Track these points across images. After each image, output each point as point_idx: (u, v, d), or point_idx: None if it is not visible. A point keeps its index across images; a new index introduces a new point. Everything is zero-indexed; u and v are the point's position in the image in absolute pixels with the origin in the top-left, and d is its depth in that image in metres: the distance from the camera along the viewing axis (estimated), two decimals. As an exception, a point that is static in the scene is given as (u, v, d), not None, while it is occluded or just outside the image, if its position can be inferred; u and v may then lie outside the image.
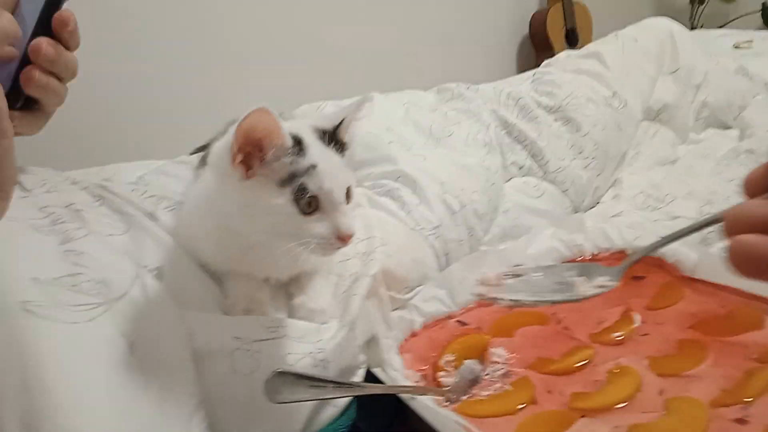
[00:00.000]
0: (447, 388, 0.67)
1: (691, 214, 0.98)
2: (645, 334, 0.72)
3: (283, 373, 0.57)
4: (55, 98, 0.57)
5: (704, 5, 2.96)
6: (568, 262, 0.85)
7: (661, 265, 0.83)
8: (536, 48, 2.58)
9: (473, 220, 0.94)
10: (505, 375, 0.69)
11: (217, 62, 1.85)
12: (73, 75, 0.58)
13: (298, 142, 0.60)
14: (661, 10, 2.97)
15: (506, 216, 1.00)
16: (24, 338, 0.50)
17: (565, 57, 1.37)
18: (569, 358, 0.70)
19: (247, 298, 0.68)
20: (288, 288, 0.73)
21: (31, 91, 0.54)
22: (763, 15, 3.03)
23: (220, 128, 0.86)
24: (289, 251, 0.60)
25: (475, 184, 0.97)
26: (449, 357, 0.72)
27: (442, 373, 0.70)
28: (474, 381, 0.69)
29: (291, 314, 0.71)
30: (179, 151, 1.02)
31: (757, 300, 0.73)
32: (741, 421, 0.57)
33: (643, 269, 0.83)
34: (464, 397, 0.66)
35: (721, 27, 2.71)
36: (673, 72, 1.34)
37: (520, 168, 1.08)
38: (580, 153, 1.11)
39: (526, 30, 2.60)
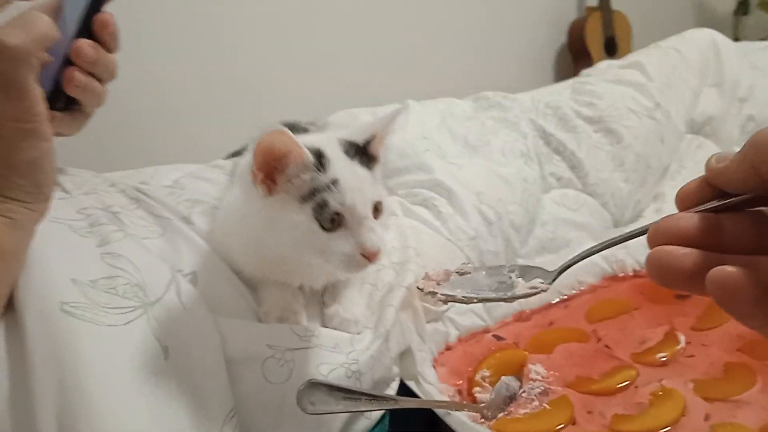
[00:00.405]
0: (483, 405, 0.66)
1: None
2: (690, 356, 0.70)
3: (316, 384, 0.56)
4: (95, 99, 0.58)
5: (748, 16, 2.89)
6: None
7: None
8: (574, 57, 2.54)
9: (510, 232, 0.92)
10: (543, 393, 0.67)
11: (256, 68, 1.86)
12: (113, 76, 0.58)
13: (319, 157, 0.58)
14: (703, 21, 2.91)
15: (544, 228, 0.98)
16: (62, 338, 0.50)
17: (605, 67, 1.34)
18: (610, 378, 0.68)
19: (281, 307, 0.67)
20: (322, 297, 0.72)
21: (71, 92, 0.55)
22: (808, 27, 2.94)
23: (255, 134, 0.86)
24: (316, 266, 0.59)
25: (513, 195, 0.95)
26: (485, 372, 0.71)
27: (477, 389, 0.69)
28: (511, 398, 0.67)
29: (324, 323, 0.70)
30: (215, 155, 1.03)
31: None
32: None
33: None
34: (500, 415, 0.65)
35: (764, 39, 2.64)
36: (718, 84, 1.30)
37: (559, 179, 1.06)
38: (621, 165, 1.09)
39: (563, 38, 2.57)
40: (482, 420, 0.64)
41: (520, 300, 0.53)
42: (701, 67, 1.29)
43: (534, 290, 0.50)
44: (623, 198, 1.07)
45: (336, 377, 0.63)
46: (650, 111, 1.15)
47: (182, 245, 0.69)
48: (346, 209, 0.57)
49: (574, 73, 2.38)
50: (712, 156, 0.33)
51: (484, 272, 0.55)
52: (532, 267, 0.52)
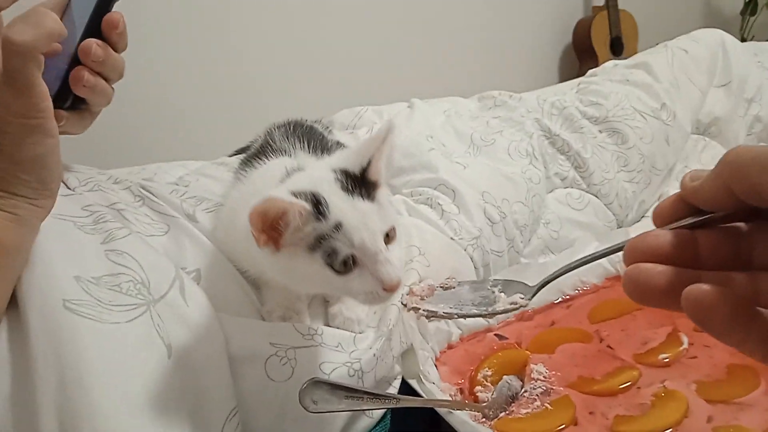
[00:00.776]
0: (484, 404, 0.66)
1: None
2: (693, 357, 0.69)
3: (318, 383, 0.56)
4: (102, 98, 0.58)
5: (756, 16, 2.88)
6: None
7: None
8: (579, 56, 2.53)
9: (514, 231, 0.92)
10: (545, 393, 0.67)
11: (261, 66, 1.86)
12: (120, 76, 0.58)
13: (317, 204, 0.55)
14: (710, 20, 2.90)
15: (548, 228, 0.98)
16: (63, 336, 0.50)
17: (611, 66, 1.34)
18: (613, 379, 0.67)
19: (284, 305, 0.67)
20: (325, 296, 0.72)
21: (79, 91, 0.55)
22: (817, 27, 2.92)
23: (260, 131, 0.87)
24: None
25: (517, 195, 0.95)
26: (487, 371, 0.71)
27: (479, 388, 0.69)
28: (512, 398, 0.67)
29: (327, 322, 0.70)
30: (219, 152, 1.03)
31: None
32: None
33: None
34: (502, 414, 0.65)
35: (773, 39, 2.63)
36: (725, 85, 1.29)
37: (563, 179, 1.06)
38: (626, 166, 1.08)
39: (569, 37, 2.56)
40: (483, 419, 0.64)
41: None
42: (709, 67, 1.29)
43: (514, 305, 0.51)
44: (628, 198, 1.07)
45: (338, 376, 0.63)
46: (656, 111, 1.15)
47: (186, 243, 0.69)
48: (356, 250, 0.55)
49: (579, 72, 2.37)
50: (686, 173, 0.33)
51: (467, 287, 0.55)
52: (513, 282, 0.53)
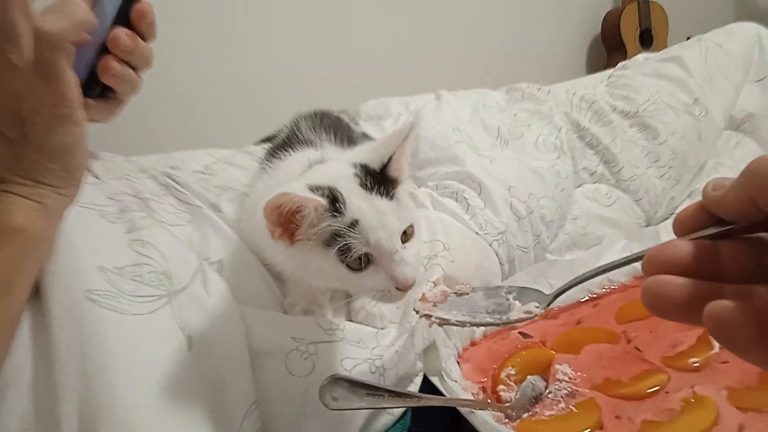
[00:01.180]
0: (507, 404, 0.64)
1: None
2: (724, 362, 0.67)
3: (338, 379, 0.55)
4: (130, 88, 0.57)
5: (791, 9, 2.80)
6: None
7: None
8: (608, 48, 2.49)
9: (540, 227, 0.90)
10: (570, 395, 0.65)
11: (289, 57, 1.86)
12: (148, 66, 0.58)
13: (334, 201, 0.55)
14: (743, 13, 2.82)
15: (575, 224, 0.96)
16: (86, 327, 0.51)
17: (642, 59, 1.31)
18: (641, 382, 0.65)
19: (307, 299, 0.66)
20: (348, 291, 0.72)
21: (107, 80, 0.55)
22: None
23: (287, 120, 0.86)
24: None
25: (544, 189, 0.93)
26: (510, 370, 0.69)
27: (502, 387, 0.67)
28: (536, 398, 0.66)
29: (350, 317, 0.69)
30: (245, 140, 1.02)
31: None
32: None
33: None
34: (525, 415, 0.63)
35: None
36: (761, 80, 1.25)
37: (592, 174, 1.04)
38: (656, 161, 1.06)
39: (597, 29, 2.51)
40: (506, 420, 0.62)
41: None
42: (744, 62, 1.25)
43: (528, 315, 0.50)
44: (657, 195, 1.04)
45: (359, 372, 0.62)
46: (688, 107, 1.12)
47: (210, 233, 0.69)
48: (371, 248, 0.55)
49: (607, 64, 2.33)
50: (708, 182, 0.32)
51: (481, 293, 0.54)
52: (529, 289, 0.52)
